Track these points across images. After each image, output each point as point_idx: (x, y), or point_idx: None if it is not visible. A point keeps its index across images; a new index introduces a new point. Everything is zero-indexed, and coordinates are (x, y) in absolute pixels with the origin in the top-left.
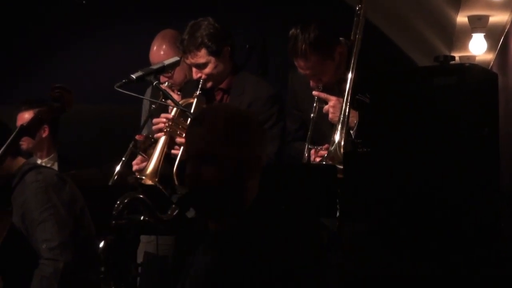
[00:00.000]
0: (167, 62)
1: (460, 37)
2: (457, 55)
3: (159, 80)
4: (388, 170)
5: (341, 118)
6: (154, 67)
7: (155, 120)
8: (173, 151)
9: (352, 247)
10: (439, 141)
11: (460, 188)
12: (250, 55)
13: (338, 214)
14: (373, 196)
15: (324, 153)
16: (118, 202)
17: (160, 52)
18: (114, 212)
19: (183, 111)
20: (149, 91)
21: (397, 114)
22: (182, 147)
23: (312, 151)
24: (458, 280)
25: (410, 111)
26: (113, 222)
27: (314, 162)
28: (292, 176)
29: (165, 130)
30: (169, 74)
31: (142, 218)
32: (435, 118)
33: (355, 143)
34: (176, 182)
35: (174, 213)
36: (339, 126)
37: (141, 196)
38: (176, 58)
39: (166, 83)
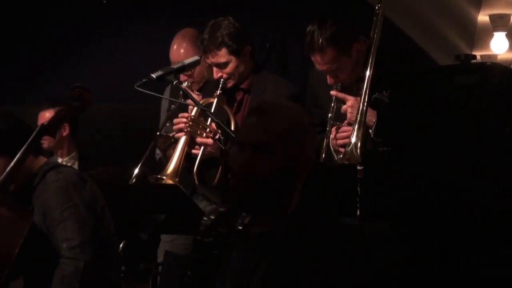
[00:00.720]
0: (187, 61)
1: (481, 35)
2: (478, 54)
3: (179, 79)
4: (408, 169)
5: (358, 118)
6: (174, 66)
7: (175, 120)
8: (193, 151)
9: (372, 246)
10: (460, 140)
11: (482, 187)
12: (269, 54)
13: (358, 213)
14: (394, 195)
15: (346, 130)
16: (205, 218)
17: (180, 51)
18: (201, 229)
19: (203, 111)
20: (168, 90)
21: (418, 113)
22: (202, 147)
23: (333, 129)
24: (481, 280)
25: (431, 109)
26: (198, 238)
27: (333, 142)
28: (312, 175)
29: (185, 130)
30: (189, 73)
31: (220, 230)
32: (456, 117)
33: (375, 142)
34: (196, 182)
35: (246, 221)
36: (356, 126)
37: (224, 209)
38: (196, 58)
39: (186, 82)
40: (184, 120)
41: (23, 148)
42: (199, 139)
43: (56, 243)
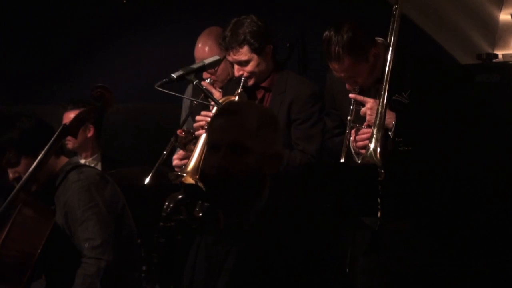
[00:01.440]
0: (207, 61)
1: (503, 34)
2: (500, 53)
3: (200, 79)
4: (429, 168)
5: (377, 121)
6: (195, 66)
7: (197, 118)
8: None
9: (394, 246)
10: (481, 140)
11: (502, 187)
12: (290, 53)
13: (379, 213)
14: (415, 195)
15: (365, 132)
16: (166, 204)
17: (205, 49)
18: (163, 214)
19: None
20: (190, 87)
21: (439, 113)
22: None
23: (353, 131)
24: (505, 279)
25: (452, 109)
26: (161, 224)
27: (353, 144)
28: (333, 175)
29: (206, 127)
30: (212, 71)
31: (181, 217)
32: (477, 116)
33: (396, 142)
34: None
35: (205, 209)
36: (375, 130)
37: (181, 196)
38: (217, 57)
39: (209, 79)
40: (206, 118)
41: (45, 148)
42: None
43: (78, 243)
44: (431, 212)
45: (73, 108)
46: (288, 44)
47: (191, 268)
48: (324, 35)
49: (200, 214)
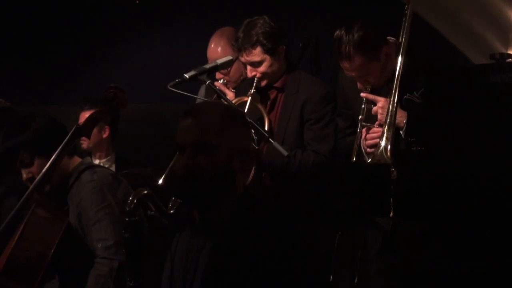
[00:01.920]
0: (220, 61)
1: None
2: None
3: (213, 79)
4: (442, 168)
5: (388, 120)
6: (207, 66)
7: None
8: None
9: (406, 246)
10: (495, 139)
11: None
12: (302, 53)
13: (392, 213)
14: (427, 195)
15: (376, 131)
16: (130, 198)
17: (218, 49)
18: (127, 209)
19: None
20: (203, 88)
21: (452, 112)
22: None
23: (364, 130)
24: None
25: (464, 108)
26: (126, 219)
27: (364, 143)
28: (346, 174)
29: None
30: (225, 71)
31: (150, 213)
32: (490, 116)
33: (408, 142)
34: None
35: (176, 205)
36: (386, 128)
37: (147, 192)
38: (229, 57)
39: (222, 80)
40: None
41: (59, 149)
42: None
43: (91, 243)
44: (444, 213)
45: (90, 108)
46: (301, 44)
47: (170, 261)
48: (335, 34)
49: (172, 211)
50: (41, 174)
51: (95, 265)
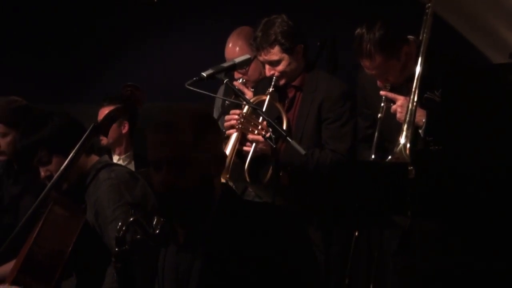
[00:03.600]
0: (238, 60)
1: None
2: None
3: (231, 77)
4: (460, 168)
5: (407, 118)
6: (225, 65)
7: (227, 117)
8: (245, 148)
9: (424, 245)
10: None
11: None
12: (320, 52)
13: (409, 212)
14: (446, 194)
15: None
16: (118, 228)
17: (236, 49)
18: (116, 235)
19: (255, 109)
20: (222, 87)
21: (470, 111)
22: (254, 144)
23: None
24: None
25: (483, 108)
26: (116, 249)
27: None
28: (363, 173)
29: (237, 126)
30: (244, 71)
31: (138, 237)
32: (509, 116)
33: (427, 141)
34: (247, 179)
35: (160, 225)
36: (405, 126)
37: (133, 218)
38: (247, 56)
39: (241, 79)
40: (236, 117)
41: (76, 147)
42: (250, 136)
43: (108, 241)
44: (462, 212)
45: (109, 104)
46: (318, 43)
47: (161, 278)
48: (356, 32)
49: (157, 231)
50: (59, 172)
51: (112, 263)
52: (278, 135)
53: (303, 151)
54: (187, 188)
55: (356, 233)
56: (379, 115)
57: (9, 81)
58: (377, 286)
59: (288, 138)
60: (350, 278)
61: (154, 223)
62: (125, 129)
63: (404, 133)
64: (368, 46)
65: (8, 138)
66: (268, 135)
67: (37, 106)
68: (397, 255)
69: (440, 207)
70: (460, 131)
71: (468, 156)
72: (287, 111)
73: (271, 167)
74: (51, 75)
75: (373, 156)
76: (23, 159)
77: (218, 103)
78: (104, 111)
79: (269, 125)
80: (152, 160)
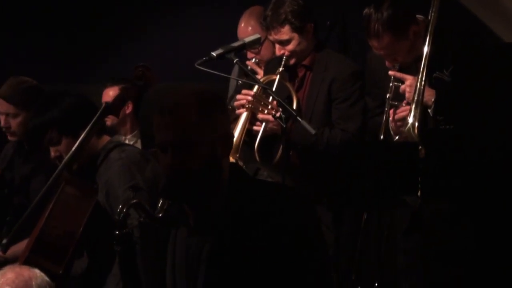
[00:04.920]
0: (247, 39)
1: None
2: None
3: (245, 58)
4: (471, 147)
5: (416, 98)
6: (235, 44)
7: (238, 96)
8: (255, 127)
9: (434, 226)
10: None
11: None
12: (330, 32)
13: (419, 192)
14: (456, 174)
15: (404, 110)
16: (118, 211)
17: (248, 28)
18: (116, 218)
19: (265, 88)
20: (236, 67)
21: (481, 90)
22: (264, 123)
23: (391, 111)
24: None
25: (494, 87)
26: (117, 232)
27: (392, 124)
28: (374, 153)
29: (247, 106)
30: (256, 50)
31: (141, 219)
32: None
33: (437, 120)
34: (257, 159)
35: (165, 207)
36: (414, 106)
37: (136, 201)
38: (257, 35)
39: (253, 59)
40: (249, 98)
41: (88, 128)
42: (260, 116)
43: None
44: (472, 191)
45: (112, 84)
46: (328, 23)
47: (171, 261)
48: (364, 12)
49: (160, 215)
50: (70, 152)
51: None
52: (288, 115)
53: (313, 131)
54: (194, 170)
55: (365, 216)
56: (388, 95)
57: (20, 62)
58: (386, 266)
59: (298, 117)
60: (359, 258)
61: (159, 205)
62: (129, 109)
63: (413, 112)
64: (376, 25)
65: (19, 119)
66: (278, 114)
67: (46, 87)
68: (407, 235)
69: (450, 187)
70: (470, 110)
71: (478, 135)
72: (297, 91)
73: (281, 147)
74: (63, 55)
75: (381, 137)
76: (33, 139)
77: (233, 83)
78: (108, 92)
79: (279, 104)
80: (158, 143)
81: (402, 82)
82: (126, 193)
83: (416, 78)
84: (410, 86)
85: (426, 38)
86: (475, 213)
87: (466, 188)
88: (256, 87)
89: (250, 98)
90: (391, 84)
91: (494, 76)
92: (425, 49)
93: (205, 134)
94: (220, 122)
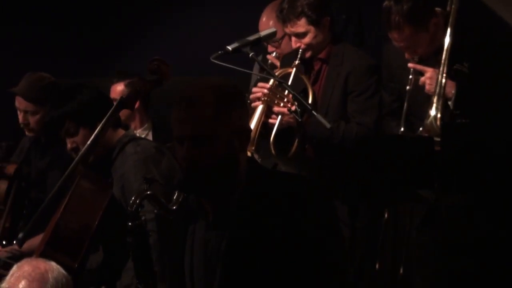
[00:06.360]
0: (263, 33)
1: None
2: None
3: (264, 51)
4: (487, 141)
5: (437, 90)
6: (250, 38)
7: (253, 89)
8: (270, 120)
9: (450, 220)
10: None
11: None
12: (346, 26)
13: (436, 186)
14: (473, 168)
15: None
16: (131, 202)
17: (270, 22)
18: (129, 210)
19: (280, 81)
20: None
21: (500, 84)
22: (279, 116)
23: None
24: None
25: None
26: (129, 224)
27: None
28: (390, 147)
29: (262, 99)
30: (277, 44)
31: (156, 211)
32: None
33: (453, 114)
34: (273, 152)
35: (180, 200)
36: (435, 98)
37: (149, 192)
38: (273, 29)
39: (274, 53)
40: (265, 91)
41: (103, 121)
42: (276, 108)
43: None
44: (488, 185)
45: (119, 80)
46: (344, 17)
47: (189, 253)
48: (384, 4)
49: (174, 207)
50: (86, 146)
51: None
52: (304, 109)
53: (328, 125)
54: (211, 164)
55: (386, 215)
56: (408, 87)
57: (38, 56)
58: (402, 260)
59: (313, 111)
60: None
61: (174, 198)
62: (136, 105)
63: (434, 105)
64: (397, 18)
65: (38, 116)
66: (293, 108)
67: (65, 81)
68: (423, 229)
69: (467, 180)
70: (488, 104)
71: (495, 129)
72: (313, 84)
73: (296, 140)
74: (79, 49)
75: (402, 129)
76: (51, 131)
77: (254, 77)
78: (115, 88)
79: (294, 98)
80: (176, 136)
81: (422, 74)
82: (141, 186)
83: (436, 70)
84: (430, 78)
85: (447, 29)
86: (491, 207)
87: (482, 182)
88: (271, 80)
89: (265, 91)
90: (410, 77)
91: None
92: (447, 40)
93: (222, 128)
94: (238, 116)
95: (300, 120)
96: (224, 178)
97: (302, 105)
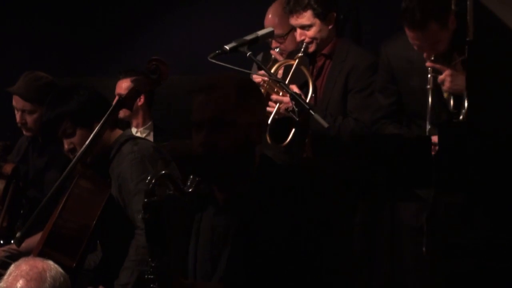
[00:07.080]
0: (260, 32)
1: None
2: None
3: (269, 47)
4: (485, 139)
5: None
6: (248, 37)
7: (254, 76)
8: (268, 108)
9: (447, 219)
10: None
11: None
12: (343, 25)
13: (433, 185)
14: (470, 166)
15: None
16: (147, 180)
17: (275, 19)
18: (145, 188)
19: (280, 78)
20: (259, 57)
21: (497, 83)
22: (277, 104)
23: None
24: None
25: (508, 80)
26: (145, 200)
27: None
28: (388, 146)
29: (261, 85)
30: (282, 40)
31: (169, 192)
32: None
33: (450, 112)
34: (268, 140)
35: (195, 184)
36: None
37: (165, 172)
38: (270, 29)
39: (277, 49)
40: (262, 77)
41: (101, 121)
42: (274, 96)
43: (131, 214)
44: (486, 185)
45: (125, 76)
46: (341, 16)
47: (195, 238)
48: (405, 4)
49: (190, 190)
50: (84, 146)
51: (135, 236)
52: (301, 108)
53: (326, 124)
54: (227, 151)
55: (384, 214)
56: (428, 86)
57: (35, 56)
58: (398, 259)
59: (311, 111)
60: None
61: (189, 181)
62: (141, 101)
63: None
64: (421, 16)
65: (35, 115)
66: (291, 108)
67: (62, 80)
68: (420, 228)
69: (464, 180)
70: (484, 103)
71: (492, 128)
72: (315, 79)
73: (292, 131)
74: (74, 49)
75: (428, 127)
76: (48, 131)
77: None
78: (121, 84)
79: (292, 98)
80: (195, 121)
81: (439, 72)
82: (138, 186)
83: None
84: (451, 75)
85: (468, 27)
86: (489, 206)
87: (480, 181)
88: (274, 68)
89: (266, 78)
90: (429, 75)
91: (509, 69)
92: (468, 37)
93: (241, 117)
94: (257, 108)
95: (297, 119)
96: (239, 167)
97: (299, 104)
